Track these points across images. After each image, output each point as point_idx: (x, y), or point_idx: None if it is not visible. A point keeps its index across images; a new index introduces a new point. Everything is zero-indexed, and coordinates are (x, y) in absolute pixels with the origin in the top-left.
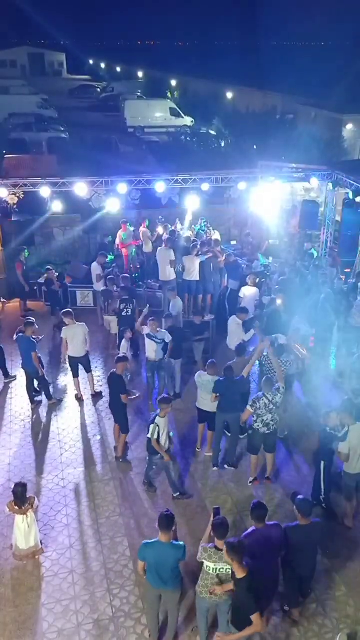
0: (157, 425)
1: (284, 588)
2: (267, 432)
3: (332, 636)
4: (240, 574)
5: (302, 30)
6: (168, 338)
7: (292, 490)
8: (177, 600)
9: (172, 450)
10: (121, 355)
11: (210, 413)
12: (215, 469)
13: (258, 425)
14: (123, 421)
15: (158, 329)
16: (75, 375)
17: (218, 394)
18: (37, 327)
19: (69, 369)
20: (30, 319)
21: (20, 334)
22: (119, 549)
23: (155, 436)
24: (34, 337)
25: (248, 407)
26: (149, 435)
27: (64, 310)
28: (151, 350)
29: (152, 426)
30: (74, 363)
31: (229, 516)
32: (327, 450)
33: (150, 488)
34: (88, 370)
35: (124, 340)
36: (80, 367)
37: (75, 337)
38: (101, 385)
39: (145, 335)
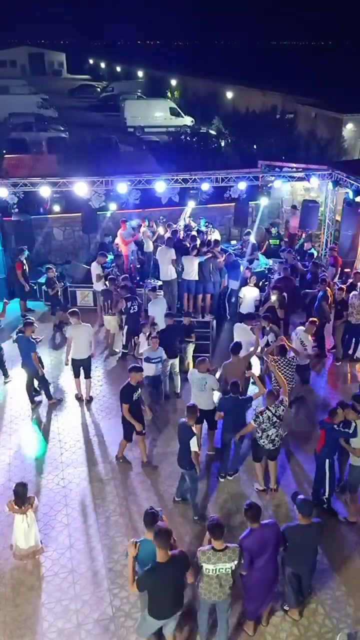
0: (196, 436)
1: (283, 587)
2: (272, 448)
3: (332, 636)
4: (160, 559)
5: (302, 30)
6: (164, 356)
7: (293, 490)
8: None
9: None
10: (137, 365)
11: (206, 411)
12: (222, 479)
13: (263, 442)
14: (125, 428)
15: (157, 348)
16: (77, 375)
17: (222, 412)
18: (36, 326)
19: (70, 369)
20: (29, 319)
21: (20, 334)
22: (119, 549)
23: (197, 448)
24: (33, 337)
25: (251, 421)
26: (193, 449)
27: (70, 310)
28: (149, 370)
29: (193, 439)
30: (76, 365)
31: (230, 516)
32: (332, 449)
33: (202, 521)
34: (87, 375)
35: (142, 336)
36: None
37: (78, 338)
38: (101, 385)
39: (143, 360)
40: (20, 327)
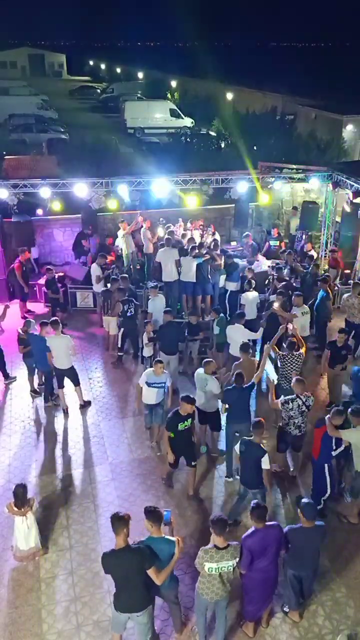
0: (268, 453)
1: (284, 589)
2: (299, 434)
3: (332, 637)
4: (115, 545)
5: (302, 31)
6: (169, 381)
7: (290, 492)
8: (174, 597)
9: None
10: (189, 395)
11: (208, 413)
12: (229, 479)
13: (290, 428)
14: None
15: (164, 371)
16: (60, 385)
17: (227, 405)
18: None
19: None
20: (45, 320)
21: (35, 333)
22: None
23: (269, 466)
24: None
25: (278, 402)
26: (266, 467)
27: (51, 319)
28: (150, 396)
29: (265, 457)
30: (59, 375)
31: (229, 517)
32: (329, 453)
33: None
34: (76, 383)
35: (144, 335)
36: (68, 380)
37: (57, 349)
38: (101, 387)
39: (145, 384)
40: (23, 327)
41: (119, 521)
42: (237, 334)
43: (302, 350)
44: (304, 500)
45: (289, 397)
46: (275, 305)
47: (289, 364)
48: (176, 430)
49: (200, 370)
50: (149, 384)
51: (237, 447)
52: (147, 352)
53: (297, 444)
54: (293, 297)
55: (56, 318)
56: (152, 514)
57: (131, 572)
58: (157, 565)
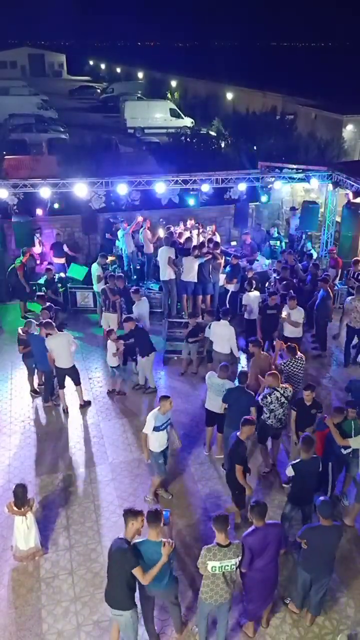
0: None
1: (291, 586)
2: (280, 426)
3: (332, 637)
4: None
5: (302, 31)
6: (172, 418)
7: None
8: (174, 598)
9: None
10: (252, 419)
11: (219, 415)
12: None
13: (271, 421)
14: (237, 497)
15: (166, 411)
16: (61, 386)
17: (227, 404)
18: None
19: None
20: (42, 321)
21: (35, 333)
22: None
23: None
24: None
25: (259, 399)
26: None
27: (44, 321)
28: (162, 441)
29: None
30: (61, 374)
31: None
32: (333, 452)
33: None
34: (77, 382)
35: (109, 343)
36: (68, 380)
37: (58, 348)
38: (100, 387)
39: (152, 429)
40: (23, 327)
41: (125, 514)
42: (222, 331)
43: (302, 354)
44: (320, 498)
45: (266, 392)
46: (284, 314)
47: (294, 368)
48: (246, 461)
49: (214, 375)
50: (157, 428)
51: (289, 471)
52: (114, 362)
53: (276, 434)
54: (287, 299)
55: (49, 320)
56: (149, 514)
57: (114, 567)
58: (143, 566)
